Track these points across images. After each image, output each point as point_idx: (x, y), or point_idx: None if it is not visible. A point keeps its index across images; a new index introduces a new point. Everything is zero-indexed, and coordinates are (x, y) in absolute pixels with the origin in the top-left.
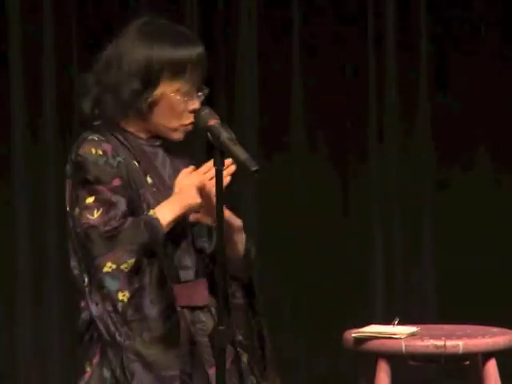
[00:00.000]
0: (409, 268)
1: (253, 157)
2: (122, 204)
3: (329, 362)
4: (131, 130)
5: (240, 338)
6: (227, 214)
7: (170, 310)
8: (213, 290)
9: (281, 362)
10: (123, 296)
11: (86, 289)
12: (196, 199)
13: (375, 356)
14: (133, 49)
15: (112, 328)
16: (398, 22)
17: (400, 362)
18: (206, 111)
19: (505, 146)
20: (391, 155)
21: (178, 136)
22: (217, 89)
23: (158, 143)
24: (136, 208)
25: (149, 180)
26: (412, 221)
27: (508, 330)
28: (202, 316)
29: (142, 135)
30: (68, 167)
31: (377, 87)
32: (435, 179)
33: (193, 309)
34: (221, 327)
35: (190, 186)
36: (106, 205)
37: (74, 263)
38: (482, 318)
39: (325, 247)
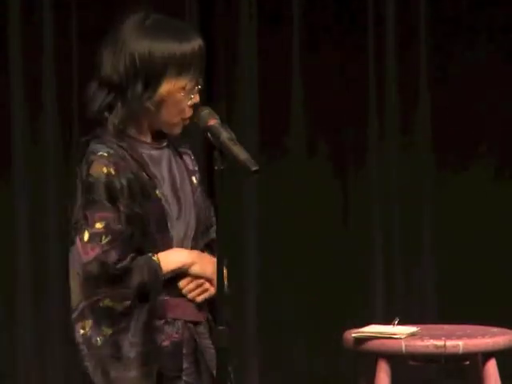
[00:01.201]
0: (409, 268)
1: (253, 157)
2: (129, 236)
3: (329, 362)
4: (134, 134)
5: None
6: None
7: (150, 356)
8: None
9: (281, 362)
10: (106, 332)
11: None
12: (204, 271)
13: (375, 356)
14: (136, 46)
15: (85, 359)
16: (398, 22)
17: (400, 361)
18: (206, 111)
19: (505, 146)
20: (391, 155)
21: (178, 130)
22: (217, 89)
23: (163, 145)
24: (144, 225)
25: (158, 193)
26: (412, 221)
27: (508, 330)
28: (203, 327)
29: (145, 138)
30: (78, 184)
31: (377, 87)
32: (435, 179)
33: (196, 323)
34: (221, 327)
35: (208, 263)
36: (116, 234)
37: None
38: (482, 318)
39: (325, 247)
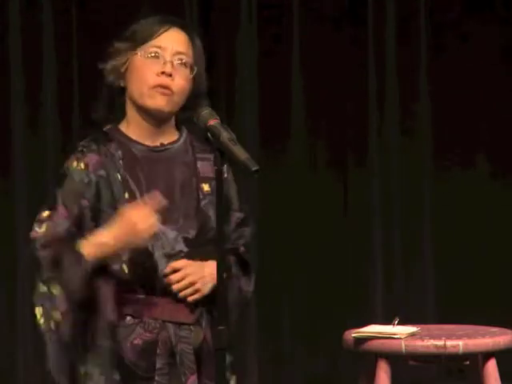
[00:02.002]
0: (409, 268)
1: (252, 157)
2: (66, 227)
3: (329, 362)
4: (133, 136)
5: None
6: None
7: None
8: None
9: (281, 362)
10: (56, 318)
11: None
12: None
13: (375, 356)
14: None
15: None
16: (399, 22)
17: (400, 361)
18: (206, 111)
19: (505, 146)
20: (391, 155)
21: (153, 102)
22: (217, 89)
23: (164, 148)
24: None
25: (126, 195)
26: (412, 221)
27: (508, 330)
28: (190, 327)
29: (145, 141)
30: None
31: (377, 87)
32: (435, 179)
33: (179, 323)
34: (221, 327)
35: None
36: (51, 229)
37: None
38: (482, 318)
39: (325, 247)
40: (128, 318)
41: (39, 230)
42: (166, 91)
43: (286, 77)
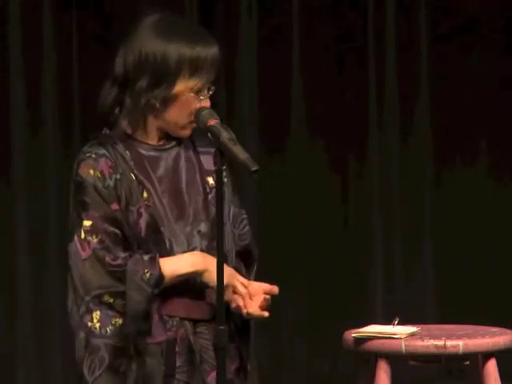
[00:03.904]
0: (409, 268)
1: (252, 157)
2: (117, 236)
3: (329, 362)
4: (139, 137)
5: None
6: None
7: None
8: None
9: (281, 362)
10: (115, 322)
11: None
12: (214, 280)
13: (375, 356)
14: (149, 45)
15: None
16: (398, 21)
17: (400, 361)
18: (206, 111)
19: (505, 146)
20: (391, 155)
21: (186, 133)
22: (217, 89)
23: (169, 146)
24: (132, 227)
25: (144, 194)
26: (412, 221)
27: (508, 330)
28: (206, 324)
29: (150, 141)
30: (71, 184)
31: (377, 87)
32: (435, 179)
33: (195, 321)
34: (221, 327)
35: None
36: (104, 234)
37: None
38: (482, 318)
39: (325, 247)
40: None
41: (92, 240)
42: (194, 124)
43: (286, 77)
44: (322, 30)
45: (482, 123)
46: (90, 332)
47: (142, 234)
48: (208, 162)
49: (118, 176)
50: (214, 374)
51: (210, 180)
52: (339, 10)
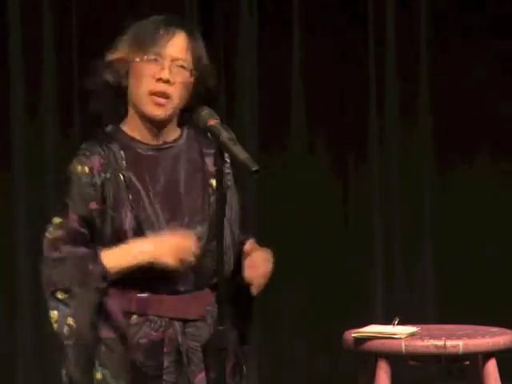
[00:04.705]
0: (409, 268)
1: (252, 157)
2: (85, 237)
3: (329, 362)
4: (135, 135)
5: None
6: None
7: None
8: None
9: (281, 362)
10: (69, 322)
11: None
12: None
13: (375, 356)
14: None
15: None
16: (399, 21)
17: (400, 361)
18: (206, 111)
19: (505, 146)
20: (391, 155)
21: (149, 109)
22: (217, 89)
23: (167, 146)
24: (118, 228)
25: (130, 196)
26: (412, 221)
27: (508, 330)
28: (196, 324)
29: (147, 140)
30: None
31: (377, 87)
32: (435, 179)
33: (185, 320)
34: (221, 327)
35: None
36: (68, 233)
37: None
38: (482, 318)
39: (325, 247)
40: (134, 316)
41: (52, 236)
42: (162, 100)
43: (286, 77)
44: (322, 29)
45: (482, 123)
46: (55, 332)
47: (129, 235)
48: (212, 163)
49: (108, 175)
50: (201, 375)
51: (214, 182)
52: (339, 10)
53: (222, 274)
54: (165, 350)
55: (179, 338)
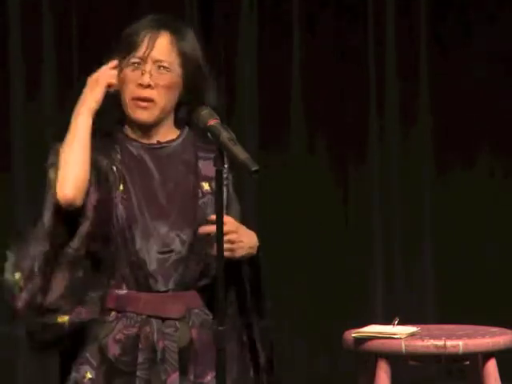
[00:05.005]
0: (409, 268)
1: (252, 157)
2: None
3: (329, 362)
4: (130, 134)
5: None
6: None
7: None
8: (209, 302)
9: (281, 362)
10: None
11: None
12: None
13: (375, 356)
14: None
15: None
16: (398, 20)
17: (400, 361)
18: (206, 111)
19: (505, 146)
20: (391, 155)
21: (134, 114)
22: (217, 89)
23: (159, 146)
24: (102, 216)
25: (121, 187)
26: (412, 221)
27: (508, 330)
28: (176, 324)
29: (142, 139)
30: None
31: (377, 86)
32: (435, 179)
33: (163, 319)
34: (220, 327)
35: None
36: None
37: None
38: (482, 318)
39: (325, 247)
40: (112, 313)
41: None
42: (144, 104)
43: (286, 77)
44: (322, 29)
45: (482, 123)
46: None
47: (115, 226)
48: (206, 167)
49: (105, 163)
50: (175, 375)
51: (205, 186)
52: (339, 10)
53: (222, 274)
54: (140, 346)
55: (155, 336)
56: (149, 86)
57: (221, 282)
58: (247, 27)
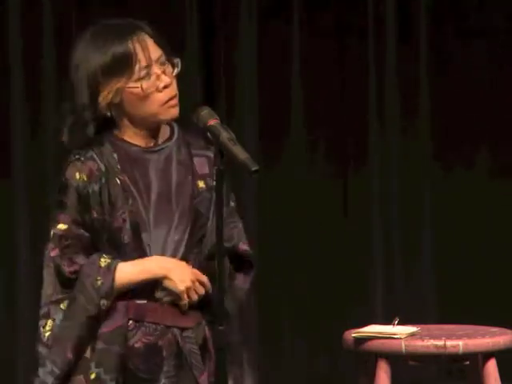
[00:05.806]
0: (409, 268)
1: (252, 157)
2: (89, 241)
3: (329, 362)
4: (127, 138)
5: None
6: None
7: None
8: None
9: (281, 362)
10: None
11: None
12: (176, 286)
13: (375, 356)
14: (79, 61)
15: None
16: (398, 21)
17: (400, 361)
18: (206, 111)
19: (506, 146)
20: (391, 155)
21: (167, 115)
22: (217, 89)
23: (158, 148)
24: (115, 232)
25: (130, 200)
26: (412, 221)
27: (508, 330)
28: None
29: (139, 142)
30: (58, 184)
31: (377, 86)
32: (435, 179)
33: (182, 328)
34: (220, 327)
35: (185, 274)
36: (74, 239)
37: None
38: (482, 318)
39: (325, 247)
40: (130, 322)
41: (61, 246)
42: (175, 101)
43: (286, 77)
44: (321, 29)
45: (482, 123)
46: (38, 337)
47: (125, 240)
48: (200, 165)
49: (104, 180)
50: (203, 376)
51: (201, 183)
52: (339, 9)
53: (222, 274)
54: (164, 354)
55: (180, 342)
56: (171, 83)
57: (220, 281)
58: (247, 27)
